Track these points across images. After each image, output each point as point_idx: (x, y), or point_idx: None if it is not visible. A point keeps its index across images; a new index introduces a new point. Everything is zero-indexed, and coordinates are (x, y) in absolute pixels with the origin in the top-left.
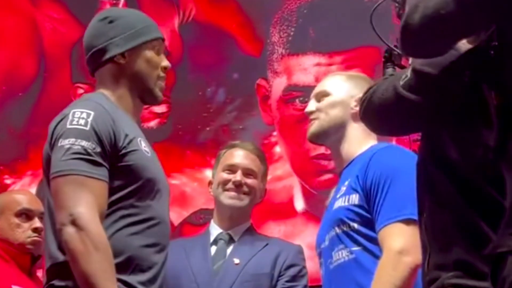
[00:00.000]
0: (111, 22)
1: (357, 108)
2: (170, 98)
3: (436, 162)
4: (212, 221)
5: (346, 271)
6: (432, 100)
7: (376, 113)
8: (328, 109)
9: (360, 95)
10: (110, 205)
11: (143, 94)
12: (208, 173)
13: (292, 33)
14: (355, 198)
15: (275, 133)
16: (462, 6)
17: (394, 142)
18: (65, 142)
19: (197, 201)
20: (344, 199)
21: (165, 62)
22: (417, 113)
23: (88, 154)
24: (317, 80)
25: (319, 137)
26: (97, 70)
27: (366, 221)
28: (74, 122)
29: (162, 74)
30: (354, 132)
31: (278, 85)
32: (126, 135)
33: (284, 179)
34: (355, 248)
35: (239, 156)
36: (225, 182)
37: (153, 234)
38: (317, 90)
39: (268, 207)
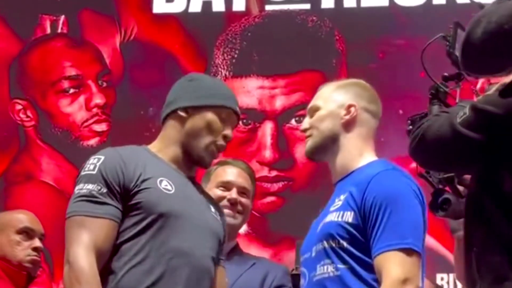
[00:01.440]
0: (190, 80)
1: (348, 117)
2: (110, 117)
3: (492, 197)
4: None
5: (329, 286)
6: (495, 138)
7: (431, 149)
8: (319, 123)
9: (351, 101)
10: (124, 242)
11: (191, 153)
12: None
13: (236, 56)
14: (349, 216)
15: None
16: None
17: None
18: (76, 189)
19: None
20: (338, 214)
21: (228, 131)
22: (475, 150)
23: (93, 195)
24: (260, 103)
25: (315, 154)
26: (164, 121)
27: (357, 241)
28: (86, 169)
29: (221, 142)
30: (348, 143)
31: None
32: (140, 175)
33: None
34: (341, 266)
35: (233, 173)
36: (219, 199)
37: (166, 269)
38: (310, 105)
39: None
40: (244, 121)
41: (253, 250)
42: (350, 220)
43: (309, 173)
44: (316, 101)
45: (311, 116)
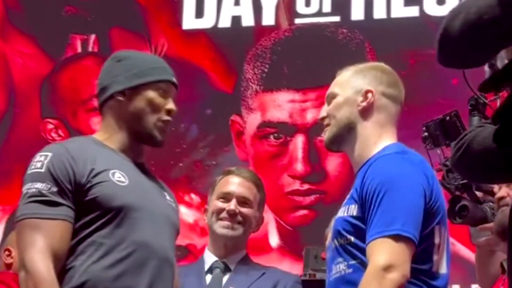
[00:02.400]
0: (119, 61)
1: (365, 104)
2: None
3: None
4: (206, 248)
5: (340, 286)
6: None
7: (476, 161)
8: (336, 111)
9: (368, 87)
10: (82, 240)
11: (140, 135)
12: (181, 209)
13: (266, 70)
14: (354, 209)
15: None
16: (508, 10)
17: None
18: (24, 188)
19: None
20: (345, 209)
21: (170, 105)
22: None
23: (43, 195)
24: (291, 116)
25: (333, 144)
26: (102, 108)
27: (364, 234)
28: (32, 167)
29: (165, 117)
30: (364, 131)
31: (253, 121)
32: (92, 170)
33: None
34: (352, 262)
35: (234, 183)
36: (219, 211)
37: (130, 262)
38: (327, 91)
39: None
40: (275, 135)
41: (286, 264)
42: (354, 213)
43: (341, 186)
44: (334, 87)
45: (329, 104)
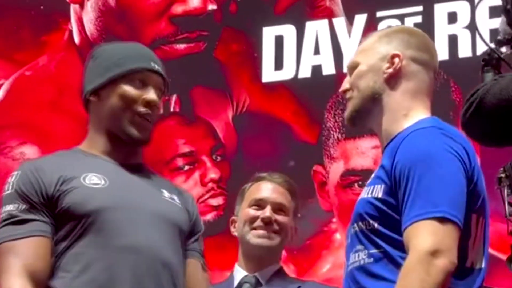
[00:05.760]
0: (95, 59)
1: (391, 70)
2: (226, 190)
3: None
4: (236, 264)
5: (358, 278)
6: None
7: (491, 117)
8: (358, 81)
9: (394, 51)
10: (62, 254)
11: (117, 135)
12: None
13: None
14: (379, 190)
15: (334, 220)
16: None
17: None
18: None
19: None
20: (369, 189)
21: (149, 95)
22: None
23: (13, 216)
24: (376, 163)
25: (355, 119)
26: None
27: (389, 219)
28: (4, 189)
29: (141, 109)
30: (392, 102)
31: (335, 170)
32: (60, 177)
33: None
34: (374, 251)
35: (267, 189)
36: (252, 220)
37: (114, 271)
38: (349, 62)
39: None
40: (360, 182)
41: None
42: (380, 195)
43: None
44: (356, 56)
45: (351, 75)
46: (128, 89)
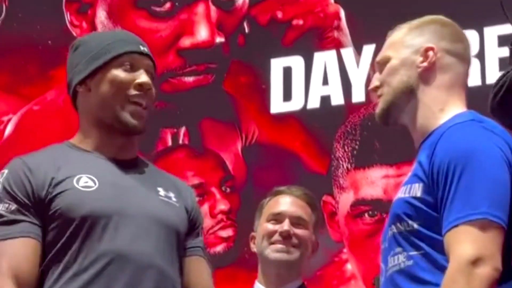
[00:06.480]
0: (76, 49)
1: (425, 64)
2: (235, 222)
3: None
4: (256, 281)
5: (398, 282)
6: None
7: None
8: (390, 77)
9: (428, 44)
10: (52, 260)
11: (111, 125)
12: None
13: (356, 147)
14: (417, 189)
15: (345, 250)
16: None
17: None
18: None
19: None
20: (406, 188)
21: (141, 78)
22: None
23: (1, 216)
24: (386, 192)
25: (387, 117)
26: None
27: (429, 219)
28: None
29: (134, 92)
30: (427, 97)
31: (345, 200)
32: (52, 179)
33: None
34: (414, 253)
35: (286, 203)
36: (270, 234)
37: (101, 280)
38: (378, 57)
39: None
40: (370, 212)
41: None
42: (418, 194)
43: None
44: (386, 50)
45: (381, 71)
46: (118, 73)
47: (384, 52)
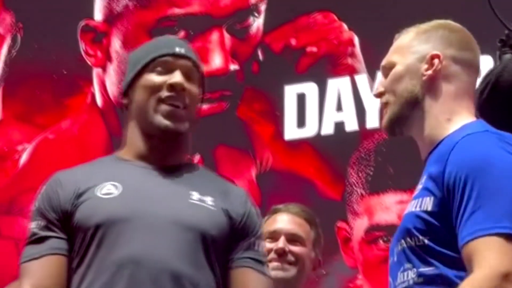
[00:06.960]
0: (127, 64)
1: (430, 72)
2: None
3: None
4: None
5: None
6: None
7: (507, 96)
8: (395, 85)
9: (434, 51)
10: (74, 272)
11: (149, 130)
12: None
13: (371, 173)
14: (428, 203)
15: (359, 276)
16: None
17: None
18: None
19: None
20: (416, 202)
21: (173, 79)
22: None
23: (34, 234)
24: (400, 218)
25: (394, 128)
26: None
27: (441, 234)
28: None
29: (166, 93)
30: (433, 107)
31: (359, 226)
32: (75, 190)
33: None
34: (424, 269)
35: (282, 220)
36: (267, 253)
37: (117, 285)
38: (383, 61)
39: None
40: (385, 238)
41: None
42: (429, 208)
43: None
44: (391, 55)
45: (386, 76)
46: (151, 77)
47: (390, 56)
